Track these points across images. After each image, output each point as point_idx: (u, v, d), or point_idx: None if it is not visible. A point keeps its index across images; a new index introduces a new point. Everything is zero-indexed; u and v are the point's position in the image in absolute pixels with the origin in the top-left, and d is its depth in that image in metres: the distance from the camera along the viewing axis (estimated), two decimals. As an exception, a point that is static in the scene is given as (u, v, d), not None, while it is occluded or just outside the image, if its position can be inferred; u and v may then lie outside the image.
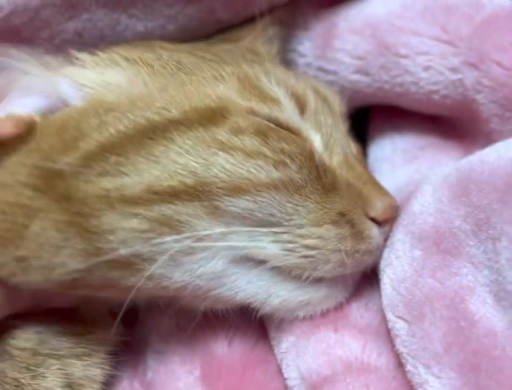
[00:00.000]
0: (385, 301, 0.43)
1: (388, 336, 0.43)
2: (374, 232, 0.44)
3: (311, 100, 0.47)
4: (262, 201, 0.40)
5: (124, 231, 0.39)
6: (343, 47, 0.55)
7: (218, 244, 0.41)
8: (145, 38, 0.52)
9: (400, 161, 0.56)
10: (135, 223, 0.39)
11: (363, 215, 0.44)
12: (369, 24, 0.54)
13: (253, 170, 0.40)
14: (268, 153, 0.41)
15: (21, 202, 0.39)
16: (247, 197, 0.40)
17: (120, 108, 0.41)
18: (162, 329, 0.50)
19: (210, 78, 0.44)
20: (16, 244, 0.39)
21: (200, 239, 0.40)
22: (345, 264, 0.43)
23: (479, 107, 0.50)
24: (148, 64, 0.44)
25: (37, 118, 0.42)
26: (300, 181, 0.42)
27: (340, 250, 0.43)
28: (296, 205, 0.42)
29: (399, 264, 0.43)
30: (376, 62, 0.53)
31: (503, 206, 0.38)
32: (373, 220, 0.44)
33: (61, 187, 0.39)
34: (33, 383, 0.42)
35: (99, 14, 0.50)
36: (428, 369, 0.39)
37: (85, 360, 0.45)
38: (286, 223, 0.42)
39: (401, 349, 0.41)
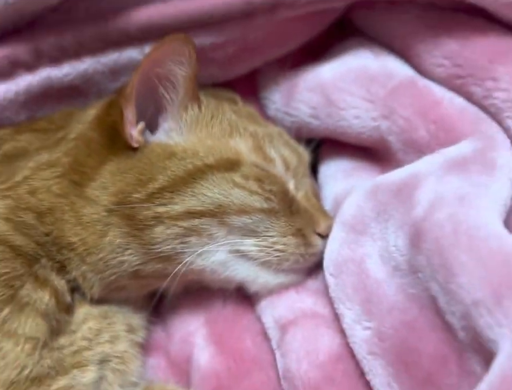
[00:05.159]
0: (324, 264, 0.59)
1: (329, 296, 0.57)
2: (319, 242, 0.62)
3: (294, 162, 0.65)
4: (255, 219, 0.58)
5: (168, 235, 0.56)
6: (302, 100, 0.68)
7: (221, 241, 0.58)
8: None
9: (340, 177, 0.69)
10: (175, 230, 0.56)
11: (312, 231, 0.62)
12: (319, 85, 0.67)
13: (254, 201, 0.58)
14: (262, 192, 0.59)
15: (99, 218, 0.56)
16: (247, 216, 0.58)
17: (177, 155, 0.58)
18: (175, 290, 0.63)
19: (235, 134, 0.61)
20: (97, 247, 0.56)
21: (212, 238, 0.58)
22: (298, 261, 0.61)
23: (391, 145, 0.63)
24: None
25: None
26: (277, 208, 0.60)
27: (296, 253, 0.61)
28: (272, 223, 0.60)
29: (332, 241, 0.60)
30: (324, 111, 0.67)
31: (394, 200, 0.54)
32: (319, 234, 0.62)
33: (128, 211, 0.56)
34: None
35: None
36: (344, 305, 0.55)
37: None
38: (263, 234, 0.59)
39: (331, 294, 0.57)
